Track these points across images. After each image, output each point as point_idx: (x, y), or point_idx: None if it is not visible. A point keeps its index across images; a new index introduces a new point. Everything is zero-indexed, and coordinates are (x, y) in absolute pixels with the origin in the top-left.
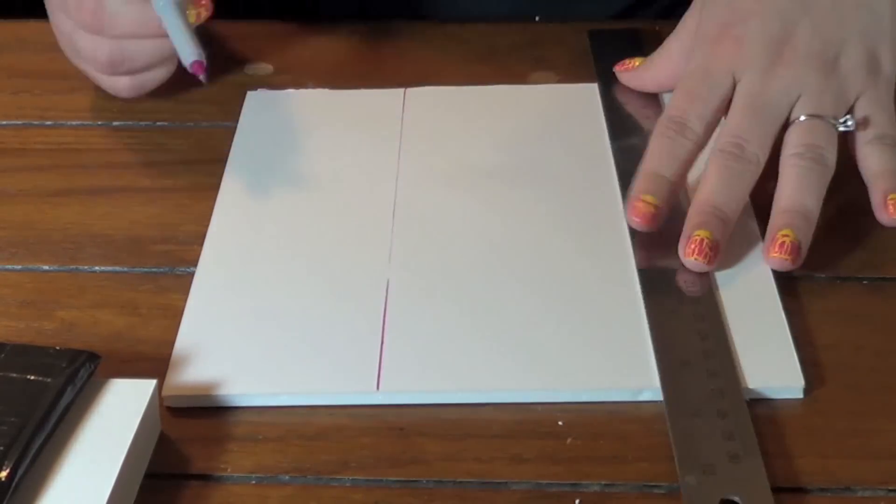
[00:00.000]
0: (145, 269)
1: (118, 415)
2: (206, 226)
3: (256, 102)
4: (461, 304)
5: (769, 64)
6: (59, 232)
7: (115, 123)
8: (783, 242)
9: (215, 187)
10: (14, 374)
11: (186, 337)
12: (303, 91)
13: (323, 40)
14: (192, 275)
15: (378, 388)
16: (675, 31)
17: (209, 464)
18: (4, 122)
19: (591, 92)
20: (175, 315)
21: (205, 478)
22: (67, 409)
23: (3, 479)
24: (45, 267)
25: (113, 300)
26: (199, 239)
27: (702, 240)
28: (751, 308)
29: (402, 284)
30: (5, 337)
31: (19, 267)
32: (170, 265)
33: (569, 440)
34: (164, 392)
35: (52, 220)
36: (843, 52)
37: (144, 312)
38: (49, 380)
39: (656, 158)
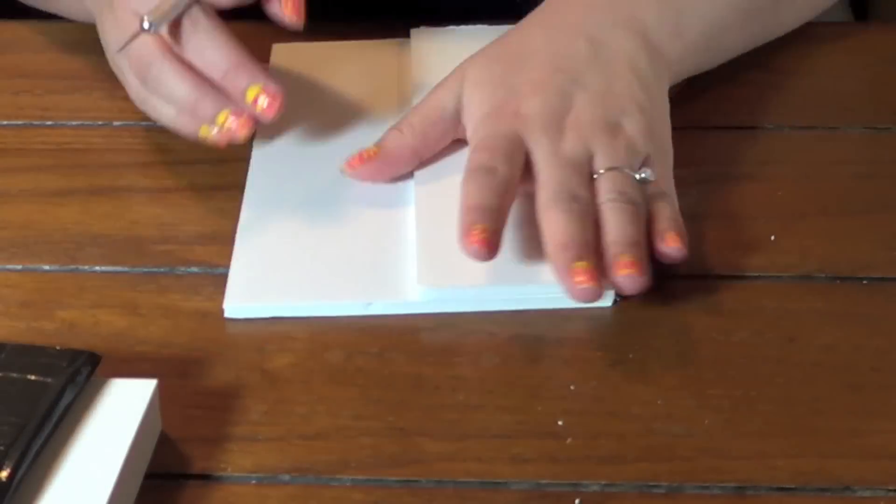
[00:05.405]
0: (146, 269)
1: (118, 415)
2: (207, 226)
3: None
4: None
5: (556, 131)
6: (59, 232)
7: (116, 123)
8: (625, 261)
9: (216, 187)
10: (14, 374)
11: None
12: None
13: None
14: (192, 275)
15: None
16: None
17: (209, 464)
18: (5, 123)
19: None
20: (175, 315)
21: (205, 478)
22: (67, 409)
23: (4, 479)
24: (46, 267)
25: (113, 300)
26: (200, 239)
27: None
28: None
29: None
30: (5, 337)
31: (19, 267)
32: (170, 265)
33: (569, 440)
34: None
35: (52, 220)
36: (625, 118)
37: (144, 312)
38: (49, 380)
39: (474, 194)
